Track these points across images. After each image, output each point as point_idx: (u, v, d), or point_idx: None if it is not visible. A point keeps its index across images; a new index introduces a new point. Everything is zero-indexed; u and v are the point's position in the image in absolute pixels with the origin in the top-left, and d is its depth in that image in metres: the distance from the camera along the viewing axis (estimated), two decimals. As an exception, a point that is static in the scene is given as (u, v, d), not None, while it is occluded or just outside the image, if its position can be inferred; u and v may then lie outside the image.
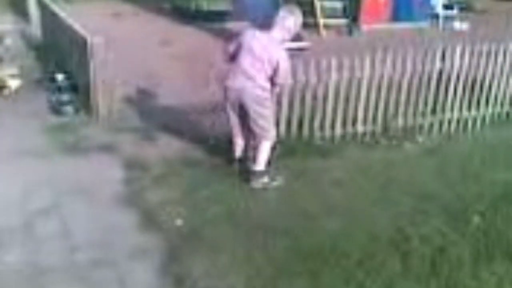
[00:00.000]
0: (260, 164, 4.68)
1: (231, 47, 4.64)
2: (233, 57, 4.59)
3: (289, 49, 4.75)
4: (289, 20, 4.50)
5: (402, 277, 3.53)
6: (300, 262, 3.65)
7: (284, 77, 4.54)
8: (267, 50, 4.41)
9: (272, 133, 4.69)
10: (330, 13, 11.08)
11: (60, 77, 6.62)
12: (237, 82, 4.49)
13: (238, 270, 3.55)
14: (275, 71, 4.43)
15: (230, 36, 4.85)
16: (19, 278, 3.41)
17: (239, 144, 4.85)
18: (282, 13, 4.51)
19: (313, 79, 5.23)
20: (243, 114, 4.60)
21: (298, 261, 3.66)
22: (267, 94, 4.52)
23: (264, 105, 4.52)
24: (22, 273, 3.44)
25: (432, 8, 12.52)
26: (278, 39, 4.51)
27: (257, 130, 4.61)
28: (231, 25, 10.72)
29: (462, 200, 4.58)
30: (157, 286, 3.39)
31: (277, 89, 4.77)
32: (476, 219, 4.26)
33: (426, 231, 4.07)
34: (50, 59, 8.00)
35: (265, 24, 4.51)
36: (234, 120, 4.72)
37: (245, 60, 4.45)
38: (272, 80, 4.51)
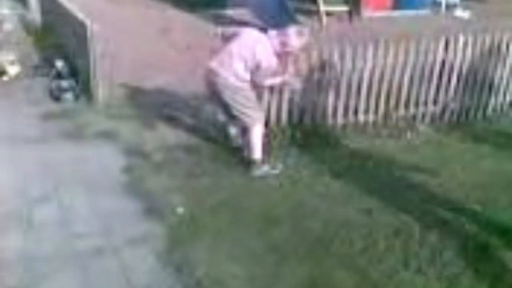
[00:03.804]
0: (256, 152, 4.65)
1: (229, 32, 4.74)
2: (226, 41, 4.67)
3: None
4: (291, 34, 4.58)
5: (404, 266, 3.53)
6: (302, 250, 3.65)
7: (263, 76, 4.54)
8: (255, 46, 4.47)
9: (256, 119, 4.61)
10: (331, 0, 11.00)
11: (59, 63, 6.57)
12: (215, 64, 4.55)
13: (239, 257, 3.55)
14: (257, 68, 4.47)
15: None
16: (19, 266, 3.40)
17: (232, 131, 4.85)
18: (292, 28, 4.63)
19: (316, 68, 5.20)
20: (223, 100, 4.60)
21: (299, 249, 3.66)
22: (241, 84, 4.51)
23: (238, 92, 4.51)
24: (22, 261, 3.44)
25: (434, -5, 12.43)
26: (273, 41, 4.56)
27: (240, 117, 4.61)
28: (230, 11, 10.65)
29: (463, 189, 4.56)
30: (157, 273, 3.39)
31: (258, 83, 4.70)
32: (476, 208, 4.26)
33: (427, 220, 4.06)
34: (49, 45, 7.94)
35: (268, 17, 4.57)
36: (220, 107, 4.76)
37: (232, 48, 4.53)
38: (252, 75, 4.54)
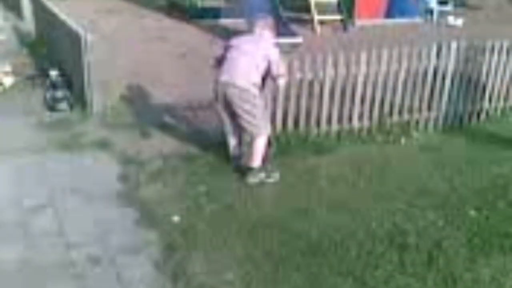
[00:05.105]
0: (256, 161, 4.68)
1: (219, 52, 4.85)
2: (220, 61, 4.76)
3: (282, 45, 4.82)
4: (260, 22, 4.83)
5: (400, 271, 3.54)
6: (298, 257, 3.66)
7: (277, 67, 4.62)
8: (256, 46, 4.62)
9: (264, 130, 4.68)
10: (325, 9, 11.07)
11: (54, 73, 6.57)
12: (224, 76, 4.58)
13: (235, 266, 3.55)
14: (269, 64, 4.55)
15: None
16: (16, 275, 3.39)
17: (232, 141, 4.87)
18: (257, 23, 4.83)
19: (308, 75, 5.23)
20: (233, 111, 4.64)
21: (296, 256, 3.66)
22: (254, 90, 4.55)
23: (250, 102, 4.54)
24: (18, 271, 3.42)
25: (427, 3, 12.53)
26: (264, 36, 4.74)
27: (248, 127, 4.64)
28: (225, 22, 10.71)
29: (458, 194, 4.59)
30: (154, 282, 3.38)
31: (278, 82, 4.76)
32: (472, 213, 4.28)
33: (422, 225, 4.08)
34: (43, 55, 7.95)
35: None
36: (225, 117, 4.77)
37: (234, 58, 4.59)
38: (266, 75, 4.62)
